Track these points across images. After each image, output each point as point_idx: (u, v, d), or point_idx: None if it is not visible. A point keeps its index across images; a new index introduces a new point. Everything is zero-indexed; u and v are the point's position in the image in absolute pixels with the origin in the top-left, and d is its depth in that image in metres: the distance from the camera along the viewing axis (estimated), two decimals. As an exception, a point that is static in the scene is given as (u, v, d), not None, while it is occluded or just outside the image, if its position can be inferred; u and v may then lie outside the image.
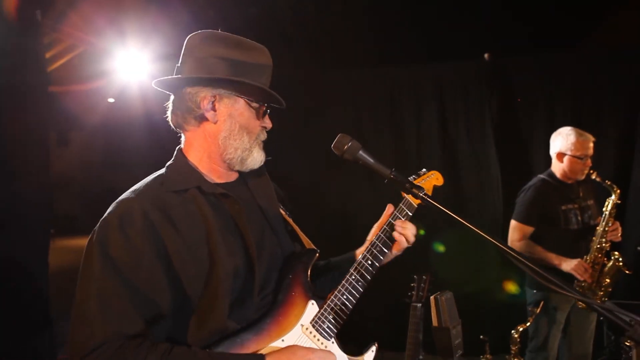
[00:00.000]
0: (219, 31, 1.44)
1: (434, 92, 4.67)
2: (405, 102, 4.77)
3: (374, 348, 1.54)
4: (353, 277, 1.48)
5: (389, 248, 1.55)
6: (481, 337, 3.03)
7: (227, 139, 1.38)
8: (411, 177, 1.67)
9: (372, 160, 1.43)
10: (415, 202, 1.63)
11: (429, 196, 1.37)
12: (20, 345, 2.95)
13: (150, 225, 1.25)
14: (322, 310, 1.43)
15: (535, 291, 3.18)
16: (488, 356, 3.01)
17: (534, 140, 4.43)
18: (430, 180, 1.77)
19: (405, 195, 1.60)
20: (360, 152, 1.42)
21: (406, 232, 1.53)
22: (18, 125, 2.96)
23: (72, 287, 1.26)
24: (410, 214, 1.62)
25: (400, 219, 1.57)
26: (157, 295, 1.23)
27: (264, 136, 1.47)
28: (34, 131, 3.11)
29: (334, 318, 1.43)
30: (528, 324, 2.94)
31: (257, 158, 1.43)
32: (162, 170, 1.42)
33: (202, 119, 1.38)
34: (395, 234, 1.53)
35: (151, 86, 1.44)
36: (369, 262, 1.51)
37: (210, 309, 1.26)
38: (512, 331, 2.94)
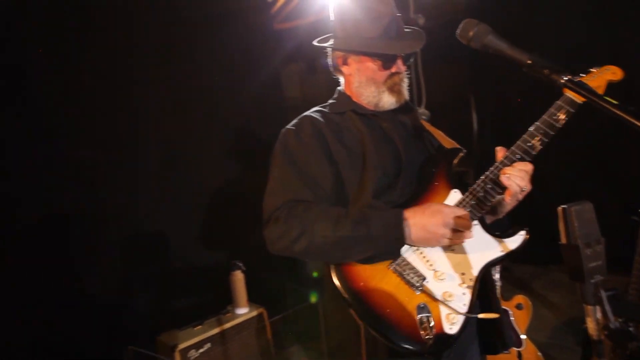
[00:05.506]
0: None
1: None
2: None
3: (523, 232, 1.46)
4: (492, 173, 1.44)
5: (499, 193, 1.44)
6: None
7: (358, 88, 1.69)
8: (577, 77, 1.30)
9: (505, 45, 1.19)
10: (579, 98, 1.32)
11: (589, 89, 1.08)
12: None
13: (318, 131, 1.62)
14: (464, 197, 1.47)
15: None
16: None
17: None
18: (603, 75, 1.38)
19: (566, 92, 1.32)
20: (490, 36, 1.20)
21: (512, 181, 1.38)
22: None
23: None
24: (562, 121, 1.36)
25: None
26: (322, 180, 1.56)
27: (396, 80, 1.65)
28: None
29: (477, 204, 1.44)
30: None
31: (387, 101, 1.66)
32: (327, 103, 1.79)
33: (341, 71, 1.75)
34: (504, 180, 1.39)
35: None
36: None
37: (361, 192, 1.54)
38: None
